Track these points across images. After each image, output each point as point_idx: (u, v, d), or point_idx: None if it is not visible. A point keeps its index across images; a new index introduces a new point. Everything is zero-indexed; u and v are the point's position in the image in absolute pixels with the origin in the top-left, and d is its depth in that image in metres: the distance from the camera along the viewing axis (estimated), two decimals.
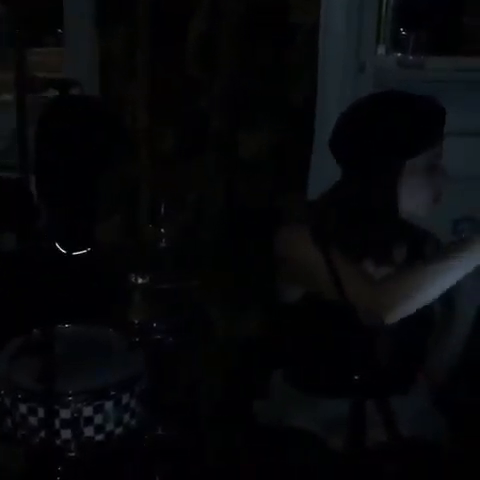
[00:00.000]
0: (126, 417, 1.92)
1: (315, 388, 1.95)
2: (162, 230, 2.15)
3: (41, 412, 1.83)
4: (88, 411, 1.85)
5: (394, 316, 1.74)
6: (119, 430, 1.90)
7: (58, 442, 1.84)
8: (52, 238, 2.18)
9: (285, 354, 2.04)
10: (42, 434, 1.83)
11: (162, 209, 2.26)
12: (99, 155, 2.64)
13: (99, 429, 1.87)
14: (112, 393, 1.88)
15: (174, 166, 2.70)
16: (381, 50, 2.94)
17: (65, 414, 1.84)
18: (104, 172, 2.67)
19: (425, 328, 1.92)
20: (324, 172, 2.72)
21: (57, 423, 1.83)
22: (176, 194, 2.64)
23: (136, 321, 1.91)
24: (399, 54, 2.85)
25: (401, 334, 1.84)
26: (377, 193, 1.81)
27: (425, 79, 2.81)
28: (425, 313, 1.80)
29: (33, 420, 1.85)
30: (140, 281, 1.91)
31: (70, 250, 2.44)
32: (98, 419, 1.87)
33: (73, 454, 1.86)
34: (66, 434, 1.85)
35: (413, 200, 1.83)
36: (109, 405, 1.87)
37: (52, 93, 2.17)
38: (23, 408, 1.85)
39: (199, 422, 2.53)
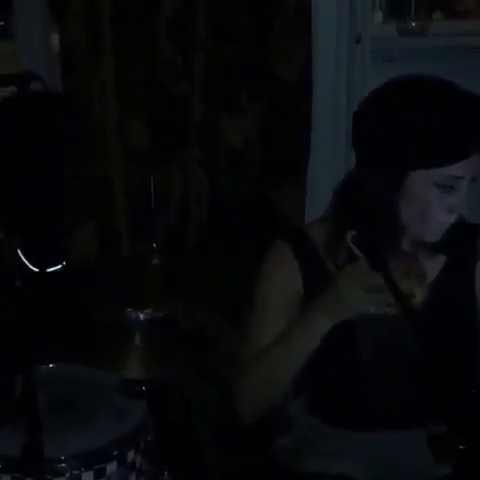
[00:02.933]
0: (132, 478, 1.60)
1: (351, 422, 1.65)
2: (154, 245, 1.81)
3: None
4: (87, 477, 1.53)
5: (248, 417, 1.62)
6: None
7: None
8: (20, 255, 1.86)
9: (310, 377, 1.70)
10: None
11: (151, 217, 1.93)
12: (65, 155, 2.33)
13: None
14: (115, 452, 1.56)
15: (152, 163, 2.36)
16: (378, 18, 2.62)
17: None
18: (71, 174, 2.34)
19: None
20: (324, 155, 2.44)
21: None
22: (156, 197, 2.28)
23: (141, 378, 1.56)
24: (398, 20, 2.53)
25: None
26: (373, 200, 1.49)
27: (429, 47, 2.51)
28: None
29: None
30: (142, 316, 1.56)
31: (42, 267, 2.12)
32: None
33: None
34: None
35: (413, 218, 1.50)
36: (112, 467, 1.55)
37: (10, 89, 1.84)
38: None
39: (209, 467, 2.21)
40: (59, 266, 2.13)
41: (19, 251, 1.93)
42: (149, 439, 1.64)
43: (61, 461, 1.52)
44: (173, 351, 1.65)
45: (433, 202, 1.46)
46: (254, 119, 2.35)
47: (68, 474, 1.51)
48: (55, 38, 2.35)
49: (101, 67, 2.32)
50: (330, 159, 2.45)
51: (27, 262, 2.06)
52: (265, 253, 1.68)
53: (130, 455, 1.58)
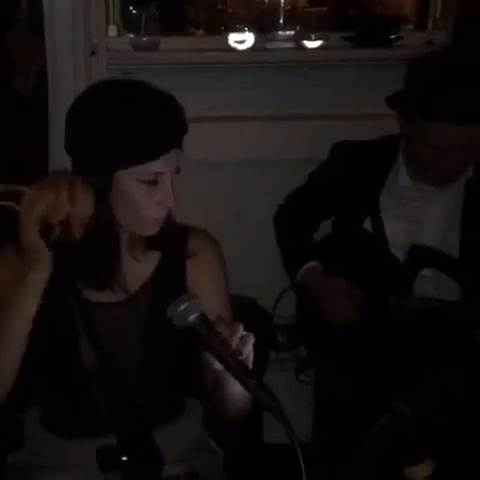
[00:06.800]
0: None
1: (76, 430, 1.63)
2: None
3: None
4: None
5: None
6: None
7: None
8: None
9: (37, 386, 1.70)
10: None
11: None
12: None
13: None
14: None
15: None
16: (113, 31, 2.71)
17: None
18: None
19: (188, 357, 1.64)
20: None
21: None
22: None
23: None
24: (132, 35, 2.64)
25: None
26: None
27: (158, 61, 2.65)
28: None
29: None
30: None
31: None
32: None
33: None
34: None
35: (126, 216, 1.53)
36: None
37: None
38: None
39: None
40: None
41: None
42: None
43: None
44: None
45: (140, 198, 1.50)
46: None
47: None
48: None
49: None
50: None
51: None
52: None
53: None
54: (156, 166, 1.48)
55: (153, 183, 1.49)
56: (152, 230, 1.56)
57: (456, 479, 1.49)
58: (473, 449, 1.60)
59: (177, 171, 1.53)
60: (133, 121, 1.46)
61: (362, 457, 1.68)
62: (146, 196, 1.50)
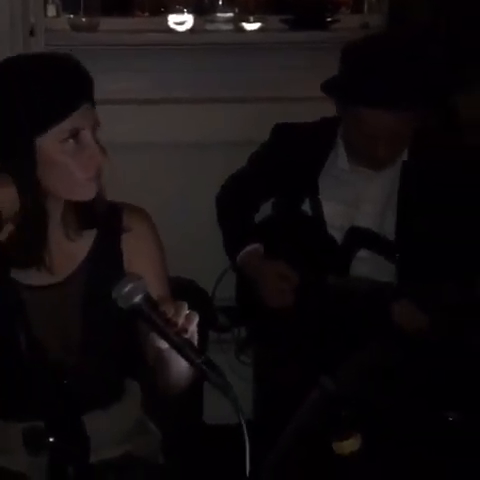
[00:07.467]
0: None
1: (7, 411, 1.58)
2: None
3: None
4: None
5: None
6: None
7: None
8: None
9: None
10: None
11: None
12: None
13: None
14: None
15: None
16: (52, 11, 2.69)
17: None
18: None
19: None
20: None
21: None
22: None
23: None
24: (71, 16, 2.63)
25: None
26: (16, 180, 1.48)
27: (98, 42, 2.65)
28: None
29: None
30: None
31: None
32: None
33: None
34: None
35: (60, 184, 1.52)
36: None
37: None
38: None
39: None
40: None
41: None
42: None
43: None
44: None
45: (68, 160, 1.50)
46: None
47: None
48: None
49: None
50: None
51: None
52: None
53: None
54: (73, 122, 1.48)
55: (75, 137, 1.48)
56: (89, 192, 1.54)
57: (384, 453, 1.53)
58: (399, 425, 1.64)
59: (97, 124, 1.52)
60: (38, 84, 1.45)
61: (290, 434, 1.72)
62: (73, 157, 1.49)
